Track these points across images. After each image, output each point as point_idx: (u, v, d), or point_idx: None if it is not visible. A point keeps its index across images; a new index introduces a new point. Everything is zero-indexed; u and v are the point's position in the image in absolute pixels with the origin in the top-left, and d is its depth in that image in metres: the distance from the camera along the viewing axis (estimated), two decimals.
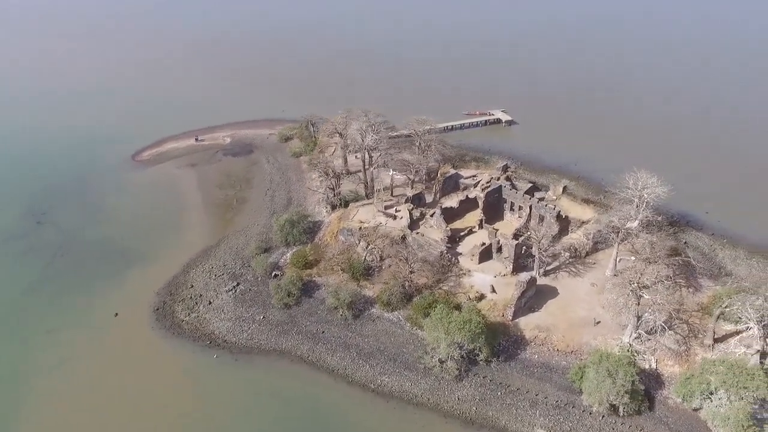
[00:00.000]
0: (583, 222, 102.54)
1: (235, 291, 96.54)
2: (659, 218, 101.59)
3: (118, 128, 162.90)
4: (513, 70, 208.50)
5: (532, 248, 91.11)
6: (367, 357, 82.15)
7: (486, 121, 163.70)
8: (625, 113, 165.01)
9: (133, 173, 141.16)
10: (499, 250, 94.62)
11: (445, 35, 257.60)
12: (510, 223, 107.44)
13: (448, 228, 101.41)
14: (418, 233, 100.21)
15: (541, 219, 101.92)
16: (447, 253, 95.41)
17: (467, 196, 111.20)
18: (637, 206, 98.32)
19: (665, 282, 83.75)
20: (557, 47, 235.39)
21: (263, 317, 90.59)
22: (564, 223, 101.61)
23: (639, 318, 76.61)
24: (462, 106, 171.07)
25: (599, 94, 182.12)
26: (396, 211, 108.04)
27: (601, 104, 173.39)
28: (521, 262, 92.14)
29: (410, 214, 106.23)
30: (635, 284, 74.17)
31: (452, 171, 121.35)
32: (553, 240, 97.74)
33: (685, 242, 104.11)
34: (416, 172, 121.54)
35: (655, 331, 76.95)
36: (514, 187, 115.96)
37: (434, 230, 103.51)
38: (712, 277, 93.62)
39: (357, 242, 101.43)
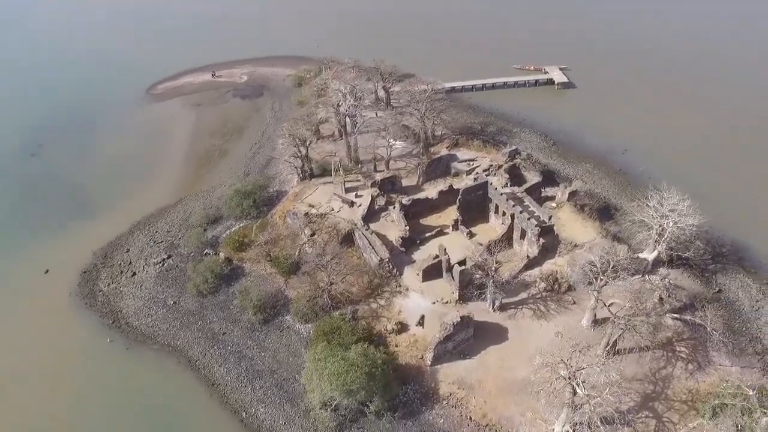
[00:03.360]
0: (575, 245, 79.39)
1: (163, 265, 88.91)
2: (687, 254, 75.58)
3: (141, 57, 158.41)
4: (589, 16, 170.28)
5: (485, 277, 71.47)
6: (254, 376, 71.19)
7: (536, 81, 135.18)
8: (721, 92, 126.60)
9: (138, 109, 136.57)
10: (452, 268, 76.04)
11: None
12: (494, 229, 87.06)
13: (406, 227, 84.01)
14: (368, 229, 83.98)
15: (523, 235, 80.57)
16: (389, 262, 78.85)
17: (451, 186, 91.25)
18: (657, 235, 74.03)
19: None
20: None
21: (174, 302, 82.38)
22: (552, 243, 79.47)
23: (575, 408, 56.83)
24: (514, 58, 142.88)
25: (701, 62, 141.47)
26: (356, 196, 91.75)
27: (694, 76, 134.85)
28: (469, 291, 73.23)
29: (372, 201, 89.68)
30: (568, 370, 53.95)
31: (444, 151, 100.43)
32: (524, 269, 77.13)
33: (719, 290, 77.28)
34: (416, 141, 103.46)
35: (596, 426, 56.87)
36: (520, 178, 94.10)
37: (394, 226, 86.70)
38: (733, 354, 68.00)
39: (302, 229, 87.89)
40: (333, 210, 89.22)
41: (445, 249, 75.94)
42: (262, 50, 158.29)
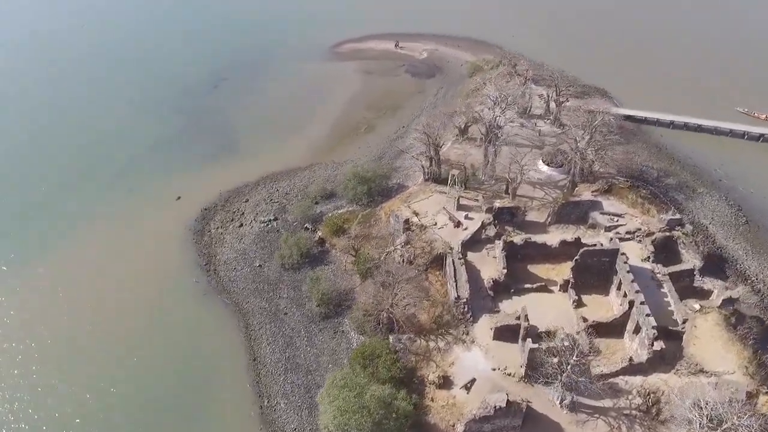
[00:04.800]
0: (701, 369, 60.68)
1: (267, 225, 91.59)
2: None
3: (340, 13, 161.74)
4: None
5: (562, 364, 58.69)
6: (291, 369, 69.85)
7: (761, 135, 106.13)
8: None
9: (316, 64, 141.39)
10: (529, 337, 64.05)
11: None
12: (611, 306, 71.56)
13: (503, 269, 73.23)
14: (461, 259, 75.07)
15: (637, 330, 64.34)
16: (465, 304, 69.66)
17: (578, 238, 76.70)
18: None
19: None
20: None
21: (260, 266, 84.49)
22: (672, 353, 62.16)
23: None
24: (741, 100, 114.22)
25: None
26: (466, 217, 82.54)
27: None
28: (539, 375, 60.86)
29: (481, 228, 79.94)
30: None
31: (587, 195, 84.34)
32: (621, 371, 61.78)
33: None
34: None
35: None
36: (675, 255, 76.07)
37: (495, 264, 76.40)
38: None
39: (399, 233, 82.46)
40: (435, 224, 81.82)
41: (526, 315, 64.14)
42: (453, 28, 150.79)
